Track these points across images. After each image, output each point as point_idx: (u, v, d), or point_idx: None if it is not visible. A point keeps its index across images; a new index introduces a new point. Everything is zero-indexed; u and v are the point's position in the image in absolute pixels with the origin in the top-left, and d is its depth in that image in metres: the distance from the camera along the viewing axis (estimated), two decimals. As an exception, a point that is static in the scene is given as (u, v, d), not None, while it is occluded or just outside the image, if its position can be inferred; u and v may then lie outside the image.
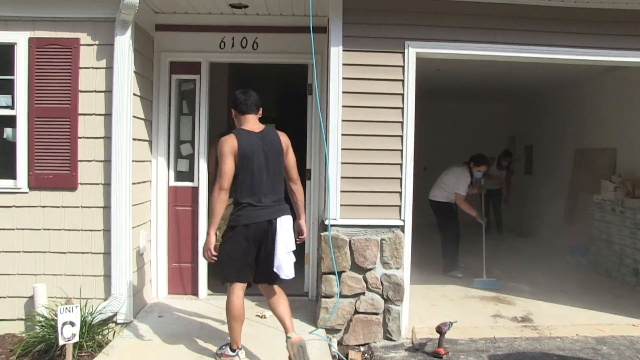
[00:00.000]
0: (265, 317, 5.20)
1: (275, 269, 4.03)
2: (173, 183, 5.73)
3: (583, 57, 5.18)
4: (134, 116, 4.95)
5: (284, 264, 4.03)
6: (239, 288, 4.09)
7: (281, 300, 4.22)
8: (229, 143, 3.92)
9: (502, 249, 9.32)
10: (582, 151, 9.52)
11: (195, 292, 5.79)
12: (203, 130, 5.67)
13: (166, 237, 5.73)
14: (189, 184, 5.74)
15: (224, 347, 4.22)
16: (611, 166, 8.50)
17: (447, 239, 7.65)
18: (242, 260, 4.03)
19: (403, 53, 4.90)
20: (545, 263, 8.34)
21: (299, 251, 5.93)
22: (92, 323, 4.65)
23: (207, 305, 5.57)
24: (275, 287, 4.24)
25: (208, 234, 3.94)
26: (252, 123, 4.11)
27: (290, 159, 4.23)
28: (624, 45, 5.18)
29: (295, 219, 4.33)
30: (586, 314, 5.96)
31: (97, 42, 4.89)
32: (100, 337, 4.66)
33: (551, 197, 10.10)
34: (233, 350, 4.15)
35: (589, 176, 8.89)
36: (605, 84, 8.80)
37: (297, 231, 4.35)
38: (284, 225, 4.05)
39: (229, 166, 3.91)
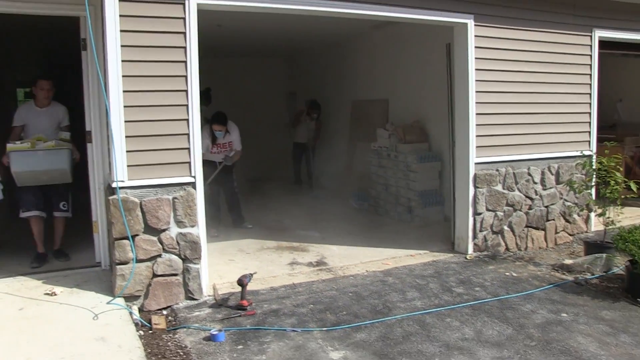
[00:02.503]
0: (55, 294, 4.78)
1: None
2: None
3: (355, 11, 5.51)
4: None
5: None
6: None
7: None
8: None
9: (296, 202, 9.70)
10: (358, 103, 10.21)
11: (-35, 279, 5.12)
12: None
13: None
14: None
15: None
16: (384, 115, 9.26)
17: (228, 194, 7.74)
18: None
19: (183, 4, 4.72)
20: (332, 211, 8.88)
21: (87, 219, 5.58)
22: None
23: (-18, 290, 4.96)
24: None
25: None
26: None
27: None
28: (389, 2, 5.62)
29: None
30: (372, 252, 6.50)
31: None
32: None
33: (333, 148, 10.70)
34: None
35: (366, 126, 9.60)
36: (376, 40, 9.48)
37: None
38: None
39: None
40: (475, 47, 6.15)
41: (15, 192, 5.58)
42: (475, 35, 6.14)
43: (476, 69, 6.18)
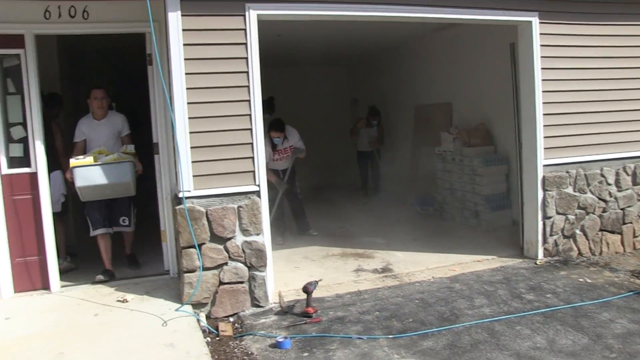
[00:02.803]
0: (127, 301, 4.95)
1: None
2: (7, 171, 5.19)
3: (416, 15, 5.46)
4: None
5: None
6: None
7: None
8: None
9: (360, 208, 9.68)
10: (422, 107, 10.09)
11: (46, 286, 5.34)
12: (35, 110, 5.16)
13: (5, 231, 5.20)
14: (25, 170, 5.23)
15: None
16: (448, 119, 9.11)
17: (292, 202, 7.77)
18: None
19: (244, 15, 4.82)
20: (396, 216, 8.79)
21: (156, 229, 5.75)
22: None
23: (62, 297, 5.18)
24: None
25: None
26: None
27: None
28: (451, 3, 5.53)
29: None
30: (438, 257, 6.39)
31: None
32: None
33: (397, 153, 10.61)
34: None
35: (430, 130, 9.47)
36: (435, 44, 9.37)
37: None
38: None
39: None
40: (541, 45, 5.96)
41: (84, 208, 5.72)
42: (541, 33, 5.95)
43: (542, 68, 5.98)
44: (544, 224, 6.16)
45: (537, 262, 6.09)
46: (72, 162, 5.32)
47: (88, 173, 5.24)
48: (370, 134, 10.33)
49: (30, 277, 5.33)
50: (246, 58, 4.85)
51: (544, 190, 6.11)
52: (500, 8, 5.76)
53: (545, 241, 6.19)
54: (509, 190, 7.76)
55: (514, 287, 5.35)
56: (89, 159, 5.34)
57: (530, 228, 6.25)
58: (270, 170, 7.24)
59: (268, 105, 8.47)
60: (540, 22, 5.93)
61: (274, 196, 7.00)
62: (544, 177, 6.09)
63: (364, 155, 10.53)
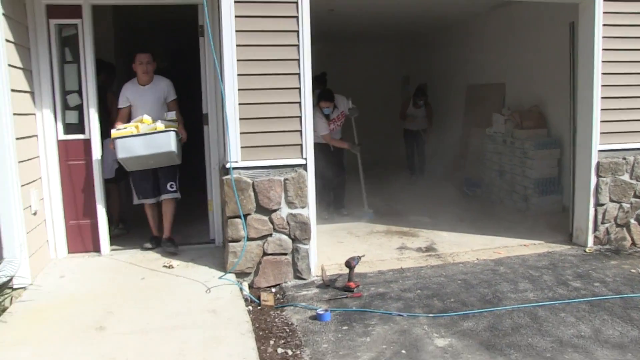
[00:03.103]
0: (172, 267, 5.09)
1: None
2: (62, 137, 5.36)
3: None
4: (9, 65, 4.52)
5: None
6: None
7: None
8: None
9: (408, 187, 9.60)
10: (474, 87, 9.88)
11: (97, 249, 5.54)
12: (90, 78, 5.30)
13: (60, 194, 5.39)
14: (80, 136, 5.39)
15: None
16: (501, 100, 8.91)
17: (338, 175, 7.72)
18: None
19: (296, -11, 4.80)
20: (443, 196, 8.68)
21: (203, 199, 5.85)
22: (-17, 290, 4.35)
23: (111, 260, 5.37)
24: None
25: None
26: None
27: None
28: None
29: None
30: (484, 240, 6.31)
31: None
32: (-6, 304, 4.37)
33: (446, 134, 10.44)
34: None
35: (481, 111, 9.27)
36: (491, 22, 9.14)
37: None
38: None
39: None
40: (603, 25, 5.71)
41: (130, 176, 5.75)
42: (604, 12, 5.70)
43: (603, 49, 5.74)
44: (596, 211, 5.98)
45: (586, 250, 5.93)
46: (114, 132, 5.22)
47: (129, 144, 5.14)
48: (418, 114, 10.13)
49: (82, 239, 5.53)
50: (297, 31, 4.84)
51: (598, 176, 5.92)
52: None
53: (596, 229, 6.01)
54: (561, 175, 7.56)
55: (560, 273, 5.24)
56: (131, 129, 5.22)
57: (581, 214, 6.09)
58: (334, 140, 7.43)
59: (320, 80, 8.44)
60: (605, 0, 5.69)
61: (354, 162, 7.36)
62: (598, 162, 5.90)
63: (410, 134, 10.37)
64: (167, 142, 5.17)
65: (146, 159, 5.23)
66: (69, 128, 5.40)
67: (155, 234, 5.81)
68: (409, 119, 10.21)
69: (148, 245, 5.71)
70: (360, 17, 8.95)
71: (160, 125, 5.23)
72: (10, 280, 4.57)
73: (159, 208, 5.73)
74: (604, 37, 5.74)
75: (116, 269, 5.12)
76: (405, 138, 10.54)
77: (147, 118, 5.34)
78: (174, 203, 5.67)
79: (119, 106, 5.66)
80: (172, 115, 5.51)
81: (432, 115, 10.26)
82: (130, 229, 6.31)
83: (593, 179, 5.92)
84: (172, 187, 5.57)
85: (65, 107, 5.37)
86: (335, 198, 7.77)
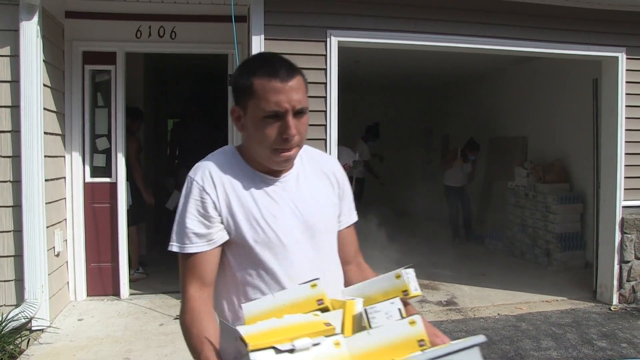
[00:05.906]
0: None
1: None
2: (89, 179, 5.47)
3: (499, 47, 5.39)
4: (44, 108, 4.65)
5: None
6: None
7: None
8: None
9: (428, 239, 9.51)
10: (496, 140, 9.90)
11: (116, 293, 5.56)
12: (120, 123, 5.45)
13: (83, 236, 5.45)
14: (106, 179, 5.50)
15: None
16: (523, 153, 8.90)
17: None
18: None
19: (325, 42, 4.89)
20: (464, 249, 8.61)
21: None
22: (2, 332, 4.31)
23: (130, 305, 5.37)
24: None
25: None
26: None
27: None
28: (535, 36, 5.43)
29: None
30: (505, 294, 6.21)
31: (-2, 28, 4.53)
32: (12, 346, 4.30)
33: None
34: None
35: (503, 164, 9.26)
36: (515, 76, 9.21)
37: None
38: None
39: None
40: (627, 82, 5.74)
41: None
42: (627, 70, 5.74)
43: (627, 106, 5.75)
44: (621, 268, 5.89)
45: (612, 308, 5.81)
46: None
47: None
48: (465, 169, 9.18)
49: (102, 283, 5.56)
50: (325, 83, 4.92)
51: (622, 232, 5.85)
52: (585, 43, 5.60)
53: (621, 286, 5.90)
54: (584, 230, 7.47)
55: (584, 331, 5.13)
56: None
57: (605, 271, 5.99)
58: None
59: (373, 131, 8.34)
60: (628, 58, 5.74)
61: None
62: (622, 218, 5.84)
63: (453, 190, 9.18)
64: None
65: None
66: (96, 171, 5.51)
67: None
68: (452, 173, 9.18)
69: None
70: (384, 69, 9.08)
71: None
72: (29, 321, 4.57)
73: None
74: (627, 93, 5.76)
75: (135, 314, 5.12)
76: (447, 195, 9.32)
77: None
78: None
79: None
80: None
81: (475, 171, 9.35)
82: (150, 273, 6.32)
83: (617, 236, 5.85)
84: None
85: (94, 150, 5.49)
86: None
